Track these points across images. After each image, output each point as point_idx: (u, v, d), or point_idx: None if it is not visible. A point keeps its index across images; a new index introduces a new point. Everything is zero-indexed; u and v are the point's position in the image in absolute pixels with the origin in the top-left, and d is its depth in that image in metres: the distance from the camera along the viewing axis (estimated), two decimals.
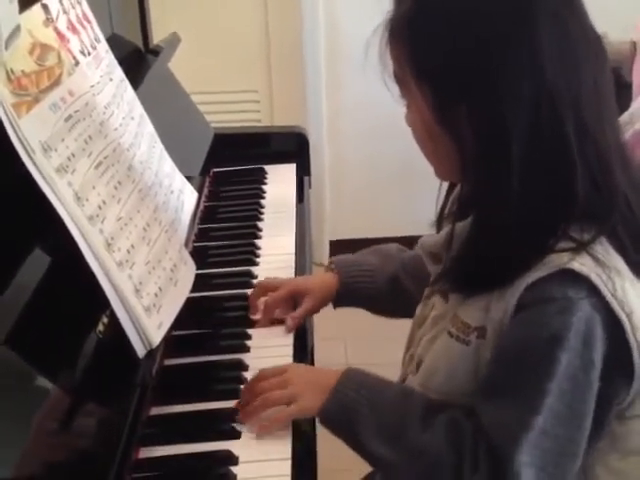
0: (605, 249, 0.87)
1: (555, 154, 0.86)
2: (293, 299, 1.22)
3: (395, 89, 0.95)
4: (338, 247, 3.04)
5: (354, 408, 0.92)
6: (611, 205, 0.88)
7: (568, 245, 0.86)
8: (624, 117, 2.11)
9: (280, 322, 1.19)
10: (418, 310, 1.08)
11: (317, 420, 0.96)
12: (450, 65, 0.88)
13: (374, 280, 1.22)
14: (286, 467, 0.93)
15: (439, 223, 1.05)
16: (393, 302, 1.17)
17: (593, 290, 0.85)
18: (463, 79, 0.87)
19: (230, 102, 2.88)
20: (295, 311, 1.20)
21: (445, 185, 1.05)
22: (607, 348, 0.85)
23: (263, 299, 1.22)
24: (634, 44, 2.20)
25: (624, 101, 2.15)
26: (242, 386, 1.04)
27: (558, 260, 0.86)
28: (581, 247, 0.86)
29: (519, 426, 0.84)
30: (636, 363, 0.87)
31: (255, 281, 1.31)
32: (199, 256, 1.25)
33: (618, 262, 0.88)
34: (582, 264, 0.85)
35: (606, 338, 0.85)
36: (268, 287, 1.23)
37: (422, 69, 0.90)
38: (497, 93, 0.86)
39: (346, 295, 1.23)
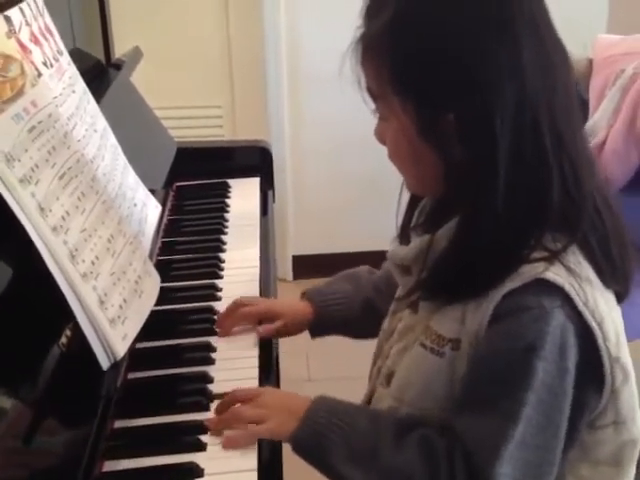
0: (577, 259, 0.88)
1: (533, 160, 0.87)
2: (261, 320, 1.21)
3: (371, 103, 0.94)
4: (301, 262, 3.04)
5: (325, 434, 0.92)
6: (582, 212, 0.89)
7: (541, 255, 0.87)
8: None
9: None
10: (385, 324, 1.08)
11: (291, 447, 0.95)
12: (435, 77, 0.87)
13: (348, 305, 1.22)
14: (252, 479, 0.92)
15: (403, 235, 1.05)
16: (368, 324, 1.16)
17: (566, 299, 0.86)
18: (449, 89, 0.87)
19: (193, 117, 2.89)
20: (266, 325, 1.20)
21: (404, 198, 1.04)
22: (579, 356, 0.86)
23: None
24: (591, 61, 2.24)
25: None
26: (206, 399, 1.04)
27: (533, 270, 0.86)
28: (554, 256, 0.87)
29: (498, 437, 0.84)
30: (606, 371, 0.88)
31: (220, 294, 1.31)
32: (163, 269, 1.24)
33: (589, 272, 0.89)
34: (556, 274, 0.86)
35: (578, 346, 0.86)
36: (244, 303, 1.22)
37: (405, 83, 0.88)
38: (483, 100, 0.86)
39: (322, 323, 1.23)
